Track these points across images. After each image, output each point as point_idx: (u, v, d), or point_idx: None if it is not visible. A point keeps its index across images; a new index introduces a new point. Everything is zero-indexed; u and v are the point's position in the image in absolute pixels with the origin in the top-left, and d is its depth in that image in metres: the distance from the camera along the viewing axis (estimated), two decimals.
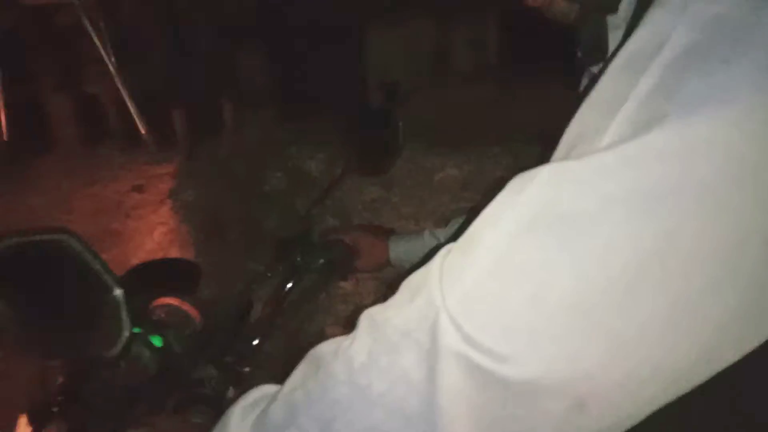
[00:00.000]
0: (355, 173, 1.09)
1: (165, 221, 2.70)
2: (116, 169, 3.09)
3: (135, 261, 2.71)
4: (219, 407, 0.48)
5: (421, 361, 0.36)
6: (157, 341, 0.64)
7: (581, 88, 0.66)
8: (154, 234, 2.67)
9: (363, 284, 2.02)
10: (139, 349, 0.62)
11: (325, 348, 0.43)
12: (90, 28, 3.03)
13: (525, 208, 0.35)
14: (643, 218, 0.32)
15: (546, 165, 0.36)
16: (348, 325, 0.43)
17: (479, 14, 4.71)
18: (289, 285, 0.99)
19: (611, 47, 0.56)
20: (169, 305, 0.82)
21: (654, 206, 0.32)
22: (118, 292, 0.51)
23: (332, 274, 1.05)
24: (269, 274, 1.02)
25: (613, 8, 0.52)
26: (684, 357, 0.34)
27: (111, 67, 3.12)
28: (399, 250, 1.03)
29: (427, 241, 1.02)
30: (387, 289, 0.43)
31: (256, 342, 0.94)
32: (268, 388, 0.48)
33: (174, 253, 2.57)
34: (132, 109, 3.17)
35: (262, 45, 3.18)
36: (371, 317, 0.41)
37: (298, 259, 1.02)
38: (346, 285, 1.87)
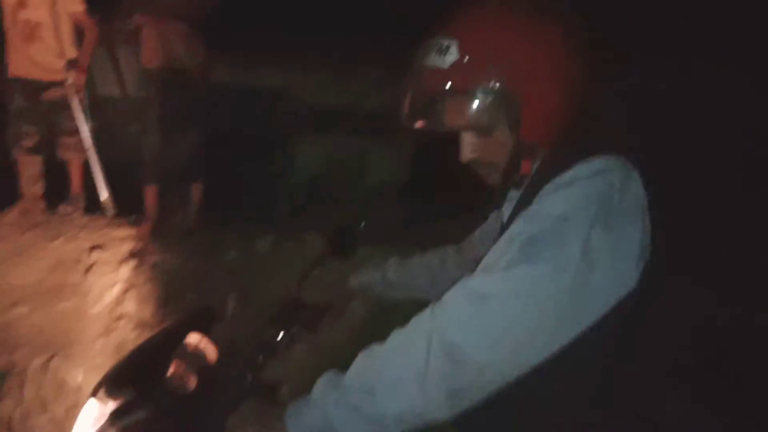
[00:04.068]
0: (330, 256, 1.63)
1: (125, 279, 3.04)
2: (77, 228, 3.44)
3: (93, 312, 3.02)
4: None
5: None
6: None
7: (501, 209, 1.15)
8: (114, 290, 3.00)
9: None
10: None
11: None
12: (75, 106, 3.46)
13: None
14: (517, 304, 0.78)
15: (475, 275, 0.82)
16: None
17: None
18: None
19: (506, 212, 1.07)
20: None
21: (517, 302, 0.77)
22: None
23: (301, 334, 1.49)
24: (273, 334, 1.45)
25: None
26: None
27: (86, 142, 3.53)
28: (358, 279, 1.45)
29: (372, 272, 1.42)
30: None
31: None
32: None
33: (131, 308, 2.90)
34: (97, 177, 3.56)
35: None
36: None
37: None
38: None
